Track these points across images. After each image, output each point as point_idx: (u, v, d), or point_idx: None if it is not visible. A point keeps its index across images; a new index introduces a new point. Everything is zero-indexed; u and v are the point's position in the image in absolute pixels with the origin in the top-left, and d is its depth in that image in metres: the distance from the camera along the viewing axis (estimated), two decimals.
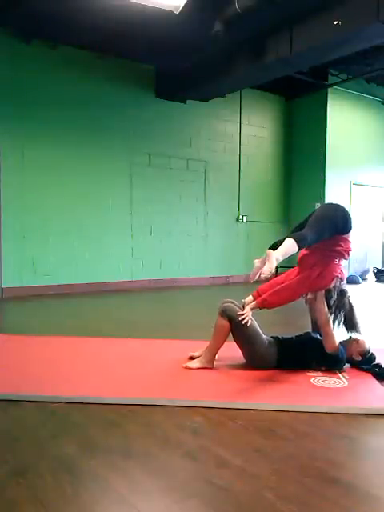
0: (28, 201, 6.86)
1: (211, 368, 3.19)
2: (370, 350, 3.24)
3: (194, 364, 3.21)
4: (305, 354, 3.18)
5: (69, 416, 2.44)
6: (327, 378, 3.00)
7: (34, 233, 6.92)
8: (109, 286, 7.58)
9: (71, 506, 1.66)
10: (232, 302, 3.25)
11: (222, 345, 3.22)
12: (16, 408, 2.53)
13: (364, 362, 3.20)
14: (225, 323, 3.15)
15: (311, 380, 2.97)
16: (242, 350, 3.23)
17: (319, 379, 2.98)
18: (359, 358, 3.21)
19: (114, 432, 2.25)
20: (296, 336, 3.34)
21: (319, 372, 3.12)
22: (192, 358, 3.32)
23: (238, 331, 3.14)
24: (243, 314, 3.08)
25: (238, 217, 9.11)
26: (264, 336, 3.20)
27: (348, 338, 3.27)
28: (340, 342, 3.18)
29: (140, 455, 2.02)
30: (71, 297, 6.87)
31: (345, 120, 9.36)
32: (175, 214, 8.31)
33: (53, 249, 7.11)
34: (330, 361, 3.15)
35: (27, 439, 2.17)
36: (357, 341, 3.24)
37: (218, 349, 3.22)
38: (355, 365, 3.23)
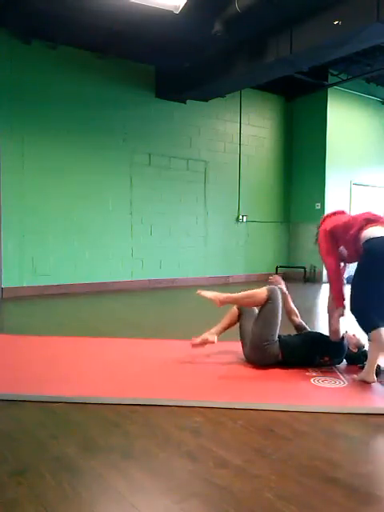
0: (28, 201, 6.86)
1: (213, 341, 3.32)
2: (364, 345, 3.27)
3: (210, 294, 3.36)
4: (308, 348, 3.19)
5: (69, 416, 2.44)
6: (327, 378, 3.00)
7: (33, 233, 6.92)
8: (109, 286, 7.58)
9: (71, 505, 1.66)
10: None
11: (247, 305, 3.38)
12: (16, 408, 2.53)
13: (360, 355, 3.23)
14: (262, 297, 3.23)
15: (311, 380, 2.97)
16: (249, 341, 3.25)
17: (319, 379, 2.98)
18: (356, 351, 3.26)
19: (114, 432, 2.26)
20: (295, 334, 3.37)
21: (319, 372, 3.12)
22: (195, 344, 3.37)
23: (265, 309, 3.20)
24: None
25: (238, 217, 9.11)
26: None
27: (344, 332, 3.32)
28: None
29: (140, 455, 2.02)
30: (71, 297, 6.88)
31: (345, 120, 9.36)
32: (175, 213, 8.32)
33: (53, 249, 7.11)
34: (333, 350, 3.17)
35: (27, 439, 2.18)
36: (354, 334, 3.31)
37: (242, 304, 3.39)
38: (352, 361, 3.25)
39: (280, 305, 3.25)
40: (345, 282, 3.28)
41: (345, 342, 3.23)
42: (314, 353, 3.19)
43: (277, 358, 3.18)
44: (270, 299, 3.21)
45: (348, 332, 3.32)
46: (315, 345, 3.21)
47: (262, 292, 3.25)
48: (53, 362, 3.38)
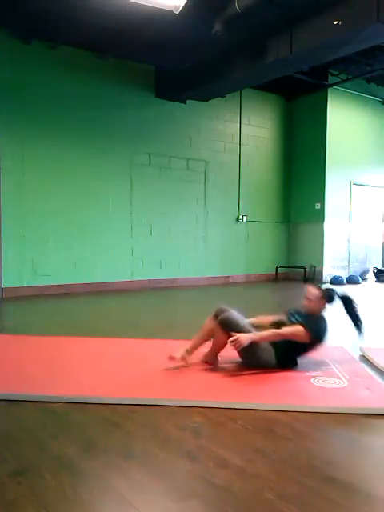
0: (28, 201, 6.86)
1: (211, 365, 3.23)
2: (325, 289, 3.23)
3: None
4: (297, 344, 3.13)
5: (69, 416, 2.44)
6: (327, 378, 3.00)
7: (34, 233, 6.92)
8: (109, 286, 7.58)
9: (71, 505, 1.66)
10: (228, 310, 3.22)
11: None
12: (16, 408, 2.53)
13: (330, 299, 3.18)
14: (221, 337, 3.13)
15: (311, 380, 2.97)
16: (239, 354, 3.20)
17: (319, 379, 2.98)
18: (325, 303, 3.19)
19: (114, 432, 2.26)
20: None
21: (319, 372, 3.12)
22: (172, 358, 3.23)
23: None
24: (236, 339, 2.97)
25: (238, 217, 9.11)
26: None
27: (290, 313, 3.27)
28: (299, 323, 3.11)
29: (140, 455, 2.02)
30: (71, 297, 6.88)
31: (345, 120, 9.36)
32: (175, 214, 8.31)
33: (53, 249, 7.10)
34: (315, 337, 3.12)
35: (27, 439, 2.18)
36: (305, 297, 3.23)
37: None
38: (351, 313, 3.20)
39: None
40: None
41: (316, 327, 3.10)
42: (305, 346, 3.16)
43: (274, 361, 3.15)
44: (228, 332, 3.08)
45: (294, 307, 3.26)
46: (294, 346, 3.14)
47: (216, 331, 3.17)
48: (53, 361, 3.38)
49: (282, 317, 3.32)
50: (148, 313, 5.90)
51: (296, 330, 3.07)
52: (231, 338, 2.99)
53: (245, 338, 2.97)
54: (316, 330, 3.12)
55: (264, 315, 3.42)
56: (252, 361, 3.16)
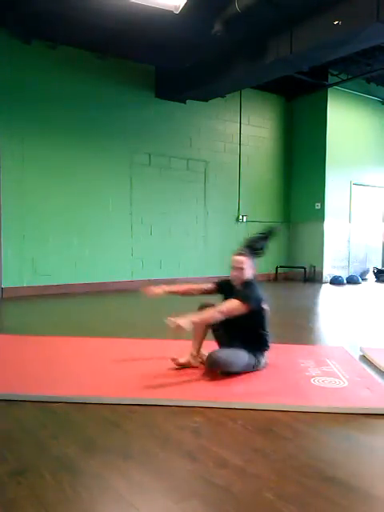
0: (28, 201, 6.86)
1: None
2: (247, 252, 3.18)
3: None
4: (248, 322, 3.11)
5: (69, 416, 2.44)
6: (327, 378, 3.00)
7: (34, 233, 6.92)
8: (108, 286, 7.58)
9: (71, 505, 1.66)
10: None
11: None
12: (16, 408, 2.53)
13: (255, 251, 3.19)
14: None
15: (311, 380, 2.97)
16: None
17: (319, 379, 2.98)
18: (251, 272, 3.17)
19: (113, 432, 2.26)
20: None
21: (319, 371, 3.12)
22: (175, 360, 3.23)
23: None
24: (178, 326, 2.90)
25: (238, 217, 9.11)
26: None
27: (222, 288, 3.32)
28: (236, 298, 3.06)
29: (140, 455, 2.02)
30: (71, 297, 6.87)
31: (345, 120, 9.36)
32: (175, 214, 8.32)
33: (53, 249, 7.11)
34: (255, 303, 3.08)
35: (27, 439, 2.18)
36: (236, 268, 3.18)
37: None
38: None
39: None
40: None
41: (250, 295, 3.06)
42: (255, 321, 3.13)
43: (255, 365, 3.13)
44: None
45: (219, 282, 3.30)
46: (248, 319, 3.07)
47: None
48: (53, 362, 3.38)
49: (210, 286, 3.38)
50: (148, 313, 5.89)
51: (233, 304, 3.02)
52: (171, 325, 2.90)
53: (185, 322, 2.87)
54: (252, 297, 3.08)
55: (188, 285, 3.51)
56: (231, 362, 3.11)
